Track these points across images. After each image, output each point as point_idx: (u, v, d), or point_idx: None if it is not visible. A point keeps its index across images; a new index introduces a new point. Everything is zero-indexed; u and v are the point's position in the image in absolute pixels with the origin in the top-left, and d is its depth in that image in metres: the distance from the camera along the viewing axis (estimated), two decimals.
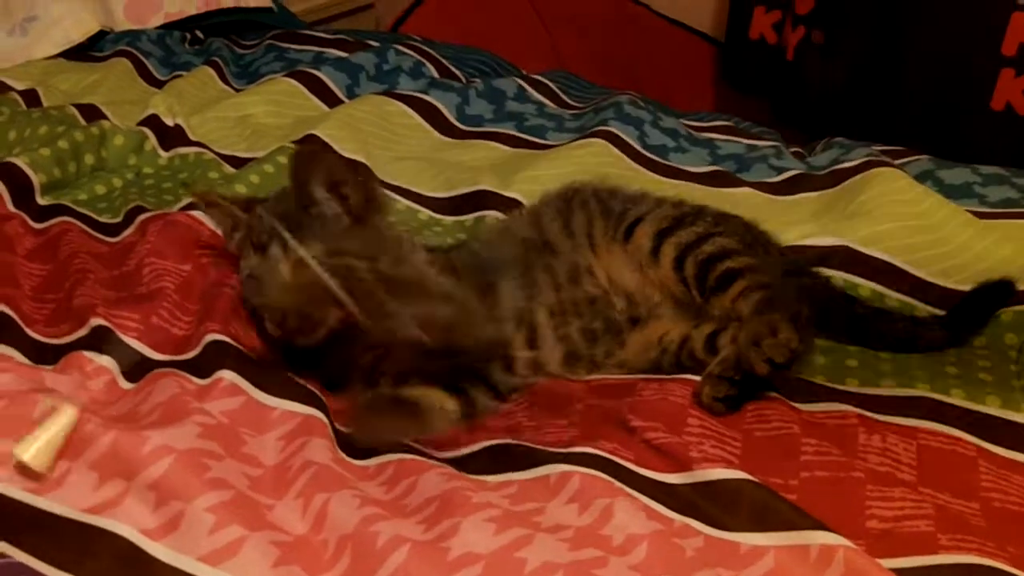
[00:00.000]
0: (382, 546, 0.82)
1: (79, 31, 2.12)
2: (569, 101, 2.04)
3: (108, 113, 1.72)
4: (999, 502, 0.95)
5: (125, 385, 1.06)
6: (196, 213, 1.32)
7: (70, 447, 0.89)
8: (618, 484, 0.91)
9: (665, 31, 2.72)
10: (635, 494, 0.91)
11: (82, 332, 1.12)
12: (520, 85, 2.00)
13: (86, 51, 2.12)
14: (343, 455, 0.98)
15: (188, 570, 0.81)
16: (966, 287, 1.33)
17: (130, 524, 0.83)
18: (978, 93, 2.01)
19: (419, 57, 2.06)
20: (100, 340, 1.09)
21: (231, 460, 0.92)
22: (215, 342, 1.08)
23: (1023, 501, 0.95)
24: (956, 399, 1.10)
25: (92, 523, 0.84)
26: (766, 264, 1.20)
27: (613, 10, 2.73)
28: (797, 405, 1.08)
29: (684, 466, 0.95)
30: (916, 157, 1.78)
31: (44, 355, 1.10)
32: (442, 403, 1.08)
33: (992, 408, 1.08)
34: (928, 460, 1.00)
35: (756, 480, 0.92)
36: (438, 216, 1.57)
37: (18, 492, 0.86)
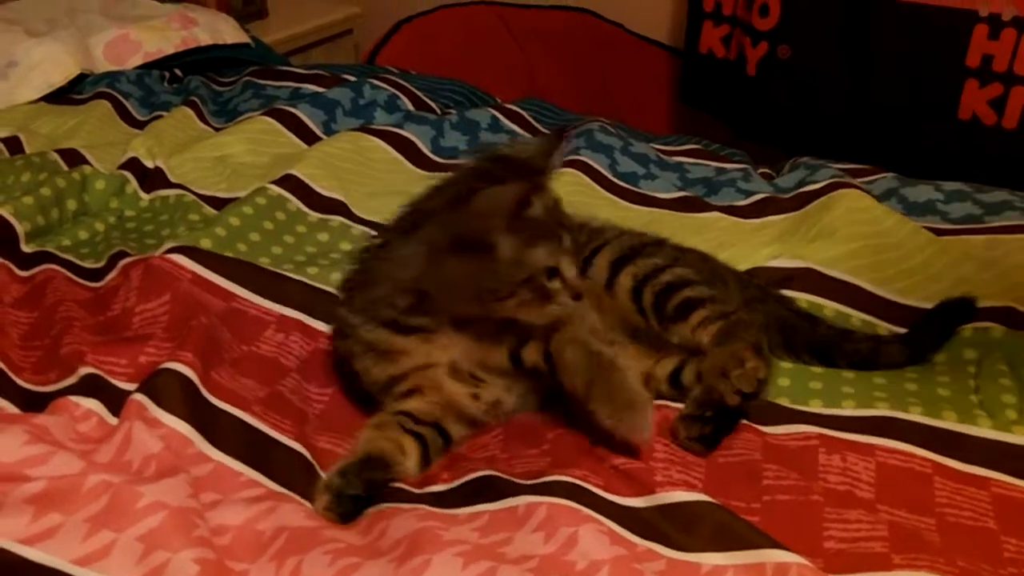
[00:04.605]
0: None
1: (60, 74, 2.13)
2: (542, 129, 2.07)
3: (89, 157, 1.74)
4: (953, 517, 1.00)
5: (113, 421, 1.07)
6: (175, 256, 1.34)
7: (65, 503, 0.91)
8: (585, 511, 0.95)
9: (640, 49, 2.76)
10: (601, 519, 0.95)
11: (71, 380, 1.14)
12: (494, 115, 2.03)
13: (66, 94, 2.15)
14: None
15: None
16: (928, 305, 1.37)
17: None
18: (944, 105, 2.06)
19: (394, 90, 2.09)
20: (90, 388, 1.11)
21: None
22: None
23: (975, 515, 1.00)
24: (914, 415, 1.14)
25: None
26: (724, 295, 1.23)
27: (589, 30, 2.78)
28: (761, 428, 1.12)
29: (648, 489, 0.99)
30: (881, 175, 1.83)
31: (33, 405, 1.13)
32: (406, 453, 1.08)
33: (948, 422, 1.12)
34: (886, 477, 1.04)
35: (717, 502, 0.96)
36: None
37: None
